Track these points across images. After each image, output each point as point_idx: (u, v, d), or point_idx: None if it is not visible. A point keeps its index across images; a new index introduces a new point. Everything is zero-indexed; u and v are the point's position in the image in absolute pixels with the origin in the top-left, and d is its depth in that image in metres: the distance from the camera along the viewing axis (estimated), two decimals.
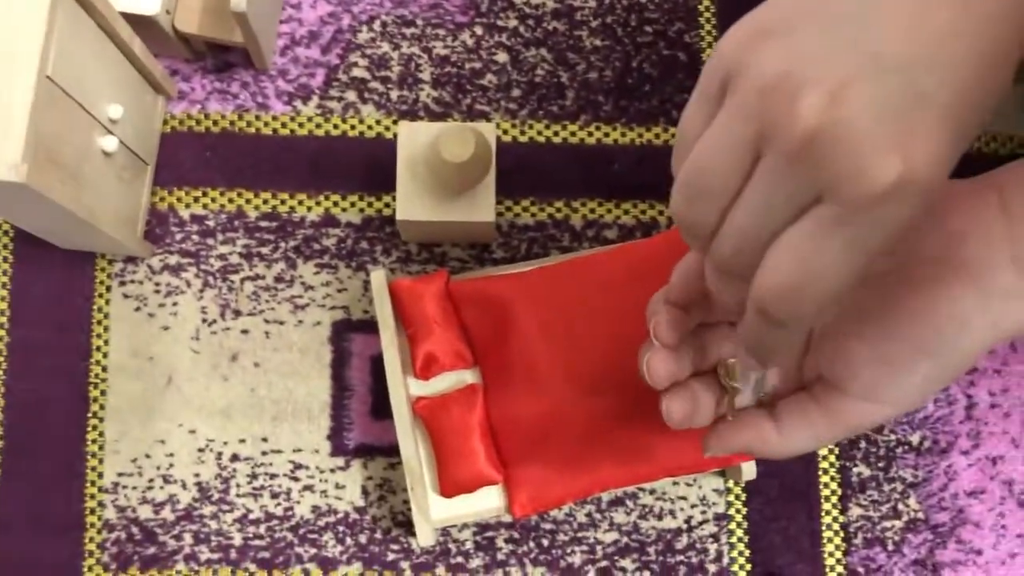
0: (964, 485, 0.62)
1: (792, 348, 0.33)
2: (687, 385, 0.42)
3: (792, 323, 0.30)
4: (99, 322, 0.62)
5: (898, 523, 0.61)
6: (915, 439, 0.62)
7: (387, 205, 0.64)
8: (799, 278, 0.28)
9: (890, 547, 0.61)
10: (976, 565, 0.61)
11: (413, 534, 0.60)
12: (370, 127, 0.65)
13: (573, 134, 0.65)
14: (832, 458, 0.62)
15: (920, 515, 0.62)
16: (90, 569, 0.60)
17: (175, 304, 0.62)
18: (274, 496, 0.61)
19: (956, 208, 0.37)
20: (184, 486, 0.61)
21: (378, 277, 0.57)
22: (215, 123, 0.64)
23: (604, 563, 0.60)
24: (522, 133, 0.65)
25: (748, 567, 0.61)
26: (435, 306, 0.58)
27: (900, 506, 0.62)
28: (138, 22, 0.59)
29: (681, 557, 0.61)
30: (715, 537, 0.61)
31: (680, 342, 0.41)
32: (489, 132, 0.57)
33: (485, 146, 0.56)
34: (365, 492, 0.61)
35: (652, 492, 0.61)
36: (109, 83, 0.55)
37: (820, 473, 0.62)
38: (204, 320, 0.62)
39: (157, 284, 0.62)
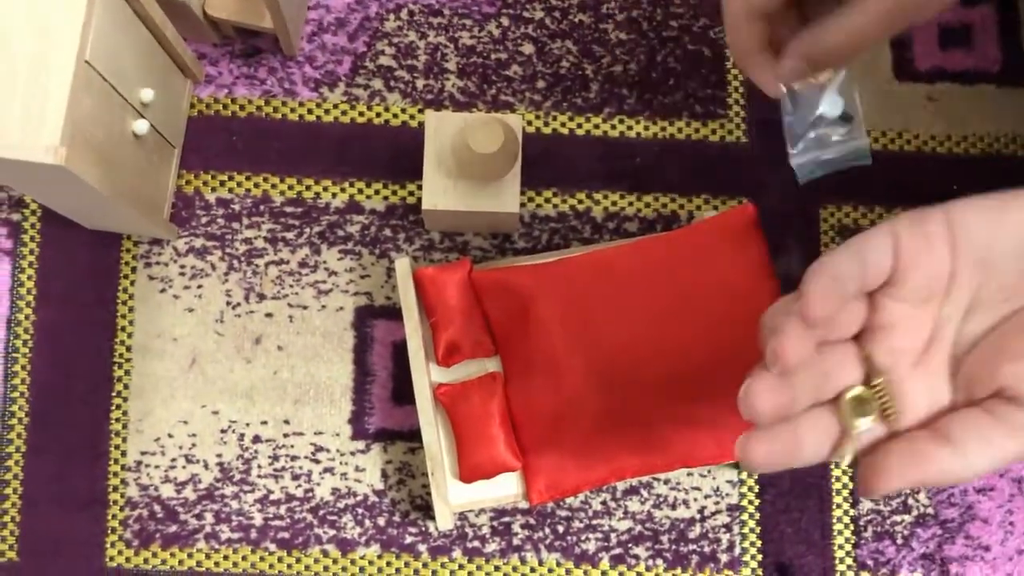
0: (974, 482, 0.63)
1: None
2: (791, 424, 0.36)
3: None
4: (124, 303, 0.63)
5: (908, 517, 0.62)
6: None
7: (411, 193, 0.64)
8: None
9: (899, 541, 0.62)
10: (984, 560, 0.62)
11: (431, 518, 0.61)
12: (395, 115, 0.65)
13: (597, 126, 0.65)
14: None
15: (930, 510, 0.62)
16: (112, 545, 0.61)
17: (200, 287, 0.63)
18: (295, 478, 0.62)
19: None
20: (206, 466, 0.62)
21: (403, 265, 0.58)
22: (242, 108, 0.65)
23: (618, 550, 0.62)
24: (546, 124, 0.65)
25: (759, 557, 0.62)
26: (458, 295, 0.59)
27: (910, 501, 0.63)
28: (169, 6, 0.59)
29: (694, 546, 0.62)
30: (727, 527, 0.62)
31: (800, 367, 0.36)
32: (516, 124, 0.58)
33: (513, 138, 0.56)
34: (384, 476, 0.62)
35: (667, 482, 0.62)
36: (141, 67, 0.56)
37: (833, 467, 0.63)
38: (228, 303, 0.63)
39: (182, 266, 0.63)
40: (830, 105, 0.43)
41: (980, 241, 0.35)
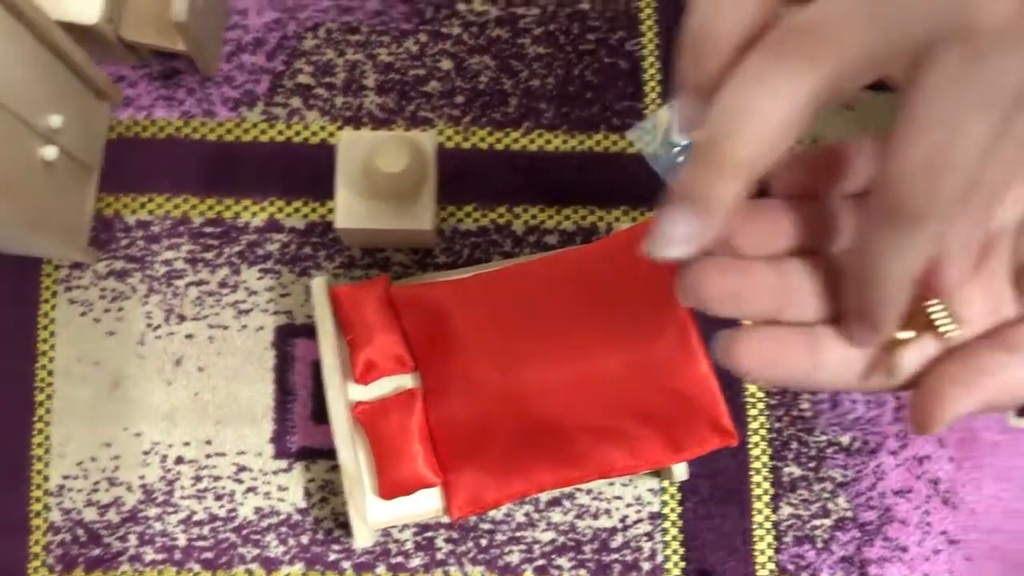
0: (892, 484, 0.64)
1: (912, 262, 0.25)
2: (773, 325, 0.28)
3: (933, 211, 0.23)
4: (45, 327, 0.63)
5: (827, 521, 0.63)
6: (845, 440, 0.64)
7: (330, 211, 0.65)
8: (933, 148, 0.22)
9: (819, 545, 0.63)
10: (901, 561, 0.63)
11: None
12: (314, 133, 0.65)
13: (516, 140, 0.66)
14: (764, 458, 0.64)
15: (849, 513, 0.63)
16: (35, 571, 0.61)
17: (120, 309, 0.63)
18: (218, 498, 0.62)
19: None
20: (129, 488, 0.62)
21: (318, 284, 0.58)
22: (161, 129, 0.65)
23: (541, 562, 0.62)
24: (465, 139, 0.66)
25: (682, 564, 0.62)
26: (375, 312, 0.59)
27: (830, 505, 0.63)
28: (80, 31, 0.59)
29: (616, 555, 0.62)
30: (649, 536, 0.63)
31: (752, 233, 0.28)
32: (427, 142, 0.58)
33: (421, 157, 0.57)
34: (307, 494, 0.62)
35: (589, 492, 0.63)
36: (49, 93, 0.56)
37: (752, 473, 0.63)
38: (149, 325, 0.63)
39: (103, 290, 0.63)
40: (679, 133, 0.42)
41: None
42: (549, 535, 0.62)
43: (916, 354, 0.28)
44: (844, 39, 0.22)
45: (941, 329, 0.28)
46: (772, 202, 0.29)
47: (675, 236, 0.24)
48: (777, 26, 0.23)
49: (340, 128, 0.65)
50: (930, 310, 0.28)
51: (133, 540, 0.61)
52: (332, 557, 0.61)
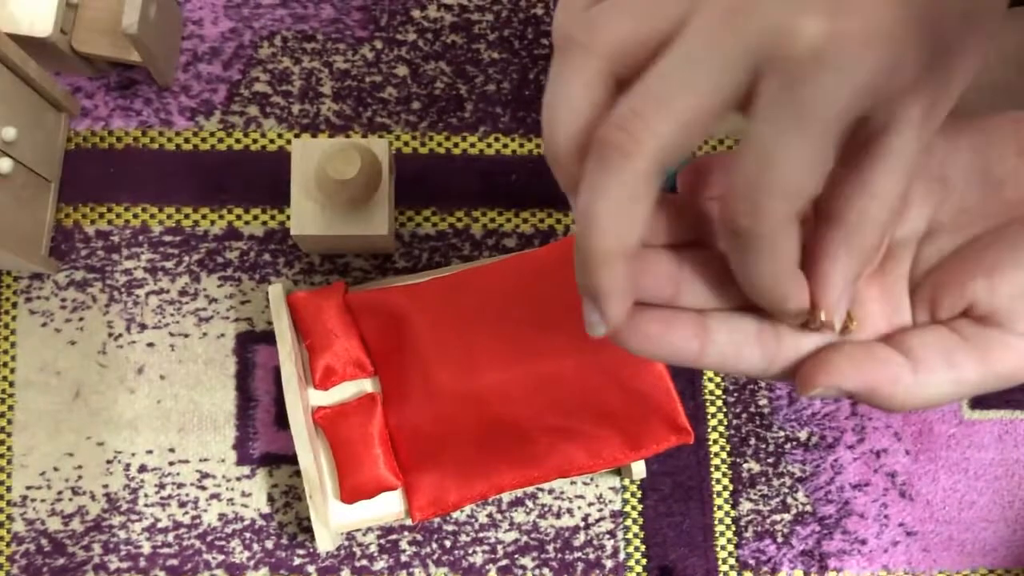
0: (850, 478, 0.65)
1: (780, 265, 0.27)
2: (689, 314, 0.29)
3: (762, 230, 0.25)
4: (5, 338, 0.63)
5: (787, 516, 0.64)
6: (803, 435, 0.65)
7: (289, 218, 0.65)
8: (755, 170, 0.24)
9: (779, 539, 0.64)
10: (860, 554, 0.64)
11: None
12: (272, 141, 0.66)
13: (472, 145, 0.67)
14: (724, 455, 0.64)
15: (808, 508, 0.64)
16: None
17: (81, 319, 0.63)
18: (182, 505, 0.62)
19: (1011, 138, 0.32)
20: (93, 497, 0.62)
21: (275, 291, 0.59)
22: (119, 139, 0.65)
23: (504, 562, 0.63)
24: (422, 145, 0.66)
25: (643, 562, 0.63)
26: (333, 317, 0.60)
27: (789, 500, 0.64)
28: (34, 44, 0.59)
29: (579, 554, 0.63)
30: (611, 534, 0.63)
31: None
32: (380, 148, 0.59)
33: (374, 163, 0.57)
34: (271, 499, 0.63)
35: (551, 492, 0.64)
36: (3, 107, 0.56)
37: (712, 470, 0.64)
38: (110, 334, 0.63)
39: (63, 300, 0.64)
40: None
41: (934, 158, 0.32)
42: (512, 535, 0.63)
43: (809, 344, 0.30)
44: (661, 121, 0.24)
45: (837, 326, 0.29)
46: (667, 198, 0.31)
47: (595, 323, 0.27)
48: (604, 122, 0.25)
49: (297, 136, 0.66)
50: None
51: (98, 549, 0.62)
52: (297, 561, 0.62)
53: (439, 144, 0.66)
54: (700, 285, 0.30)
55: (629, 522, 0.64)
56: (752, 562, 0.64)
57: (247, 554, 0.62)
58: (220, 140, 0.66)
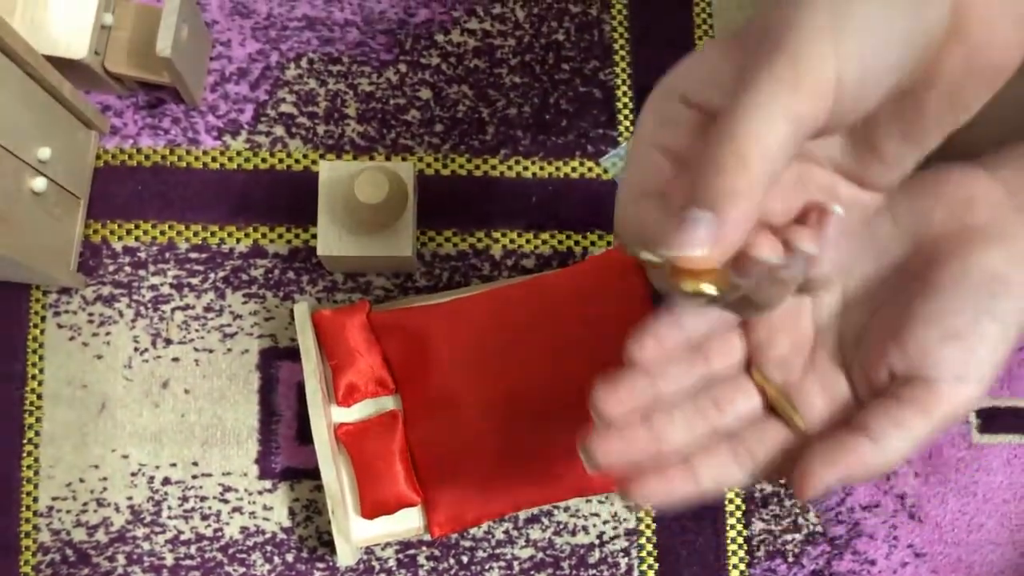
0: (860, 499, 0.66)
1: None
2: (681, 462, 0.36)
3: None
4: (34, 351, 0.64)
5: (798, 536, 0.65)
6: None
7: (313, 236, 0.66)
8: None
9: (790, 559, 0.65)
10: (870, 575, 0.65)
11: None
12: (297, 161, 0.67)
13: (493, 167, 0.68)
14: None
15: (818, 528, 0.65)
16: None
17: (108, 334, 0.65)
18: (204, 518, 0.63)
19: (948, 184, 0.37)
20: (117, 509, 0.63)
21: (301, 309, 0.60)
22: (147, 157, 0.67)
23: None
24: (444, 167, 0.68)
25: None
26: (357, 336, 0.61)
27: (800, 520, 0.65)
28: (68, 65, 0.61)
29: (593, 571, 0.64)
30: (625, 552, 0.64)
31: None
32: (406, 172, 0.60)
33: (400, 187, 0.59)
34: (292, 513, 0.64)
35: (567, 509, 0.65)
36: (38, 126, 0.57)
37: (725, 490, 0.65)
38: (136, 349, 0.65)
39: (91, 314, 0.65)
40: None
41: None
42: (528, 552, 0.64)
43: (774, 447, 0.36)
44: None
45: (796, 423, 0.36)
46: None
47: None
48: None
49: (322, 156, 0.67)
50: (785, 409, 0.36)
51: (121, 560, 0.63)
52: (317, 575, 0.63)
53: (461, 166, 0.68)
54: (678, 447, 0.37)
55: (643, 540, 0.65)
56: None
57: (268, 567, 0.63)
58: (246, 159, 0.67)
